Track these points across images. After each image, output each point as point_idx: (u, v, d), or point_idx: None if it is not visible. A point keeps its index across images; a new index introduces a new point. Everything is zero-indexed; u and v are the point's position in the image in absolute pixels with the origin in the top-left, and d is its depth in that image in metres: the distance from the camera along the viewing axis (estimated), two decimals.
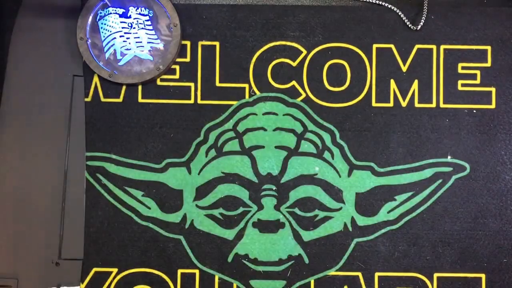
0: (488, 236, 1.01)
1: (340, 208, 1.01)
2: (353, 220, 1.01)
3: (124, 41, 1.03)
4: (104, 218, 1.01)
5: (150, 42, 1.03)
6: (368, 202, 1.01)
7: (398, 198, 1.02)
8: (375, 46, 1.04)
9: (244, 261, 1.00)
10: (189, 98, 1.04)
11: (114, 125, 1.03)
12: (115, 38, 1.03)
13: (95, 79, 1.04)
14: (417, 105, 1.03)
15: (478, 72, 1.04)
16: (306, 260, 1.00)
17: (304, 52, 1.04)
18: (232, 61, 1.04)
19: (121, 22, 1.03)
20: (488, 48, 1.04)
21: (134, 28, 1.03)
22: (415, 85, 1.03)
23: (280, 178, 1.01)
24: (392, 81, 1.04)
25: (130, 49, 1.03)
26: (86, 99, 1.03)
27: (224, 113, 1.03)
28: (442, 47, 1.04)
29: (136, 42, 1.03)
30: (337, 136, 1.03)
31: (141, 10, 1.03)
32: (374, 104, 1.03)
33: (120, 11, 1.03)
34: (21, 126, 1.03)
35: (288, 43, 1.04)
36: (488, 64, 1.04)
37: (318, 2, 1.06)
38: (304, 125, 1.03)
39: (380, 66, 1.04)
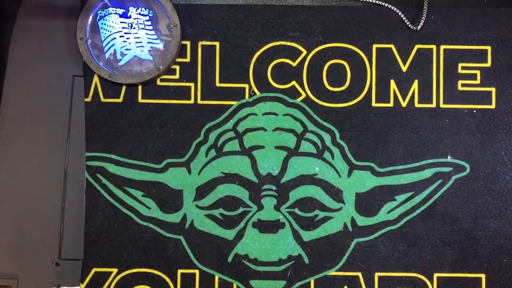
0: (488, 236, 1.01)
1: (340, 208, 1.01)
2: (353, 220, 1.01)
3: (124, 41, 1.03)
4: (104, 218, 1.01)
5: (150, 42, 1.03)
6: (368, 202, 1.01)
7: (398, 198, 1.02)
8: (375, 46, 1.04)
9: (244, 261, 1.00)
10: (189, 98, 1.04)
11: (114, 125, 1.03)
12: (115, 38, 1.03)
13: (95, 79, 1.04)
14: (417, 105, 1.03)
15: (478, 72, 1.04)
16: (306, 260, 1.00)
17: (304, 52, 1.04)
18: (232, 61, 1.04)
19: (121, 22, 1.03)
20: (488, 48, 1.04)
21: (134, 28, 1.03)
22: (415, 85, 1.03)
23: (280, 178, 1.01)
24: (392, 81, 1.04)
25: (130, 49, 1.03)
26: (86, 99, 1.03)
27: (224, 113, 1.03)
28: (442, 47, 1.04)
29: (136, 42, 1.03)
30: (337, 136, 1.02)
31: (141, 10, 1.03)
32: (374, 104, 1.03)
33: (120, 11, 1.03)
34: (21, 126, 1.03)
35: (288, 43, 1.04)
36: (488, 64, 1.04)
37: (318, 2, 1.06)
38: (304, 125, 1.03)
39: (380, 66, 1.04)
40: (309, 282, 1.00)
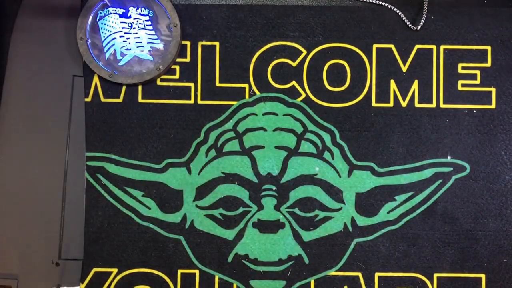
0: (488, 236, 1.01)
1: (340, 208, 1.01)
2: (353, 220, 1.01)
3: (124, 41, 1.03)
4: (104, 218, 1.01)
5: (150, 42, 1.03)
6: (368, 202, 1.02)
7: (398, 198, 1.02)
8: (375, 46, 1.04)
9: (244, 261, 1.00)
10: (189, 98, 1.04)
11: (114, 125, 1.03)
12: (115, 38, 1.03)
13: (95, 79, 1.04)
14: (417, 105, 1.03)
15: (478, 72, 1.04)
16: (306, 260, 1.00)
17: (304, 52, 1.04)
18: (232, 61, 1.04)
19: (121, 22, 1.03)
20: (488, 48, 1.04)
21: (134, 28, 1.03)
22: (415, 85, 1.03)
23: (280, 178, 1.01)
24: (392, 81, 1.04)
25: (130, 49, 1.03)
26: (86, 99, 1.03)
27: (224, 113, 1.03)
28: (442, 47, 1.04)
29: (136, 42, 1.03)
30: (337, 136, 1.03)
31: (141, 10, 1.03)
32: (374, 104, 1.03)
33: (120, 11, 1.03)
34: (21, 126, 1.03)
35: (288, 43, 1.04)
36: (488, 64, 1.04)
37: (318, 2, 1.06)
38: (304, 125, 1.03)
39: (380, 66, 1.04)
40: (309, 282, 1.00)
